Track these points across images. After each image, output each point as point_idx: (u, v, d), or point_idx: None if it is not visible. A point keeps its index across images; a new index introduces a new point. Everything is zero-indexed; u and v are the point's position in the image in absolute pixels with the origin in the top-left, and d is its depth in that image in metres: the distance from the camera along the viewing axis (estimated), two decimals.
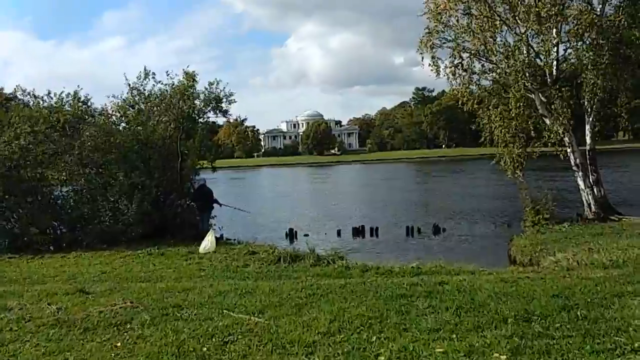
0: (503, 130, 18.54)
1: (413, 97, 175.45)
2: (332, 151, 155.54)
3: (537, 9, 16.26)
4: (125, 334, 5.90)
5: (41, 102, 17.34)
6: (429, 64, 19.55)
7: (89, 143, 15.76)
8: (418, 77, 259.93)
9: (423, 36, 19.35)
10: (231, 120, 19.79)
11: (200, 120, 19.61)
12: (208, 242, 13.06)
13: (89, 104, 16.98)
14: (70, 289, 8.52)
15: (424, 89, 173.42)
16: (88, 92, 17.44)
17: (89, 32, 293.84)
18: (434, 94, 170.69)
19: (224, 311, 6.66)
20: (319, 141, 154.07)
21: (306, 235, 19.35)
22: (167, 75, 17.02)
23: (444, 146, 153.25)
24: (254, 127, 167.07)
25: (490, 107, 19.89)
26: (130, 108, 18.13)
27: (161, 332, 5.88)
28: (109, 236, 15.31)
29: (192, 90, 16.88)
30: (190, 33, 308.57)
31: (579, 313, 5.85)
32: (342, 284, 8.06)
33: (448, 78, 19.67)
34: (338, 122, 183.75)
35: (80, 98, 16.79)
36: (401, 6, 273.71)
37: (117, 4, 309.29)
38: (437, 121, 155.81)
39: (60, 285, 9.14)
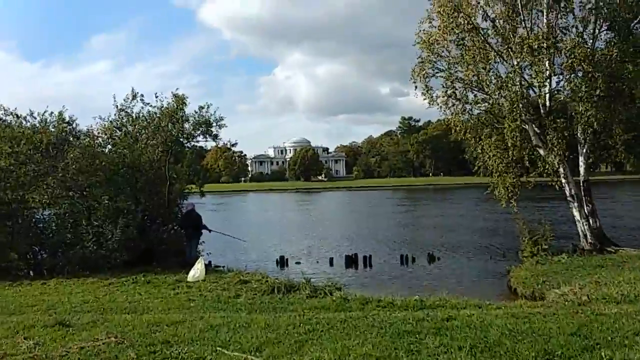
0: (497, 160, 18.38)
1: (399, 127, 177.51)
2: (319, 177, 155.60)
3: (530, 41, 16.30)
4: None
5: (24, 122, 16.79)
6: (422, 93, 19.47)
7: (73, 165, 15.16)
8: (403, 107, 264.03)
9: (416, 65, 19.31)
10: (220, 145, 19.34)
11: (189, 144, 19.28)
12: (197, 270, 12.46)
13: (73, 125, 16.43)
14: (49, 321, 7.91)
15: (410, 118, 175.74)
16: (74, 114, 16.95)
17: (77, 55, 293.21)
18: (420, 123, 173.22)
19: (218, 348, 6.14)
20: (306, 167, 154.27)
21: (298, 263, 18.81)
22: (156, 97, 16.64)
23: (430, 174, 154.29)
24: (241, 152, 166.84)
25: (482, 137, 19.80)
26: (118, 130, 17.65)
27: None
28: (91, 262, 14.64)
29: (181, 114, 16.48)
30: (177, 58, 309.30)
31: (603, 354, 5.45)
32: (342, 318, 7.58)
33: (441, 107, 19.58)
34: (325, 149, 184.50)
35: (64, 119, 16.25)
36: (386, 39, 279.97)
37: (105, 28, 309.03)
38: (423, 150, 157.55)
39: (39, 317, 8.49)
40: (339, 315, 7.94)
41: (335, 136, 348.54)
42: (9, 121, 16.91)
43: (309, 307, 8.79)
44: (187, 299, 9.94)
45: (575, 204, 17.85)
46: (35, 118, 16.88)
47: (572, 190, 17.87)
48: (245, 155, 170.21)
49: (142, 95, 16.65)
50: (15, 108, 16.78)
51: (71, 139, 16.50)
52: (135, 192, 16.67)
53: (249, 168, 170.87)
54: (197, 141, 18.93)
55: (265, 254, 21.30)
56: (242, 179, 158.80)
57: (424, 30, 18.98)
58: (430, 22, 18.66)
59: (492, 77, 18.34)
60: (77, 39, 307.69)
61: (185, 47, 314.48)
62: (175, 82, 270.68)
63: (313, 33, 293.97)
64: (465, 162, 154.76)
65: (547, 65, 17.19)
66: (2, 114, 17.21)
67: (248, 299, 9.81)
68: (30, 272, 15.39)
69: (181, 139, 17.12)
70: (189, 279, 12.36)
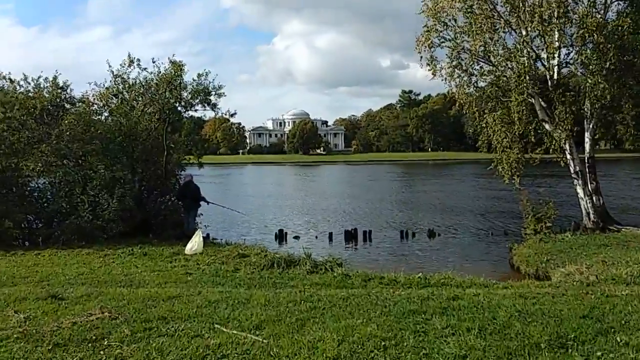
0: (501, 135, 17.97)
1: (399, 100, 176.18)
2: (318, 151, 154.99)
3: (541, 10, 15.70)
4: (102, 352, 5.10)
5: (17, 87, 16.31)
6: (427, 64, 18.92)
7: (67, 132, 14.74)
8: (403, 80, 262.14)
9: (421, 34, 18.70)
10: (220, 114, 18.85)
11: (187, 113, 18.83)
12: (195, 243, 12.20)
13: (68, 90, 15.91)
14: (41, 294, 7.64)
15: (410, 92, 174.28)
16: (72, 81, 16.42)
17: (74, 20, 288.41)
18: (420, 97, 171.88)
19: (216, 326, 5.88)
20: (305, 140, 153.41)
21: (296, 237, 18.59)
22: (153, 63, 16.08)
23: (429, 149, 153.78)
24: (239, 123, 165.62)
25: (486, 111, 19.37)
26: (114, 97, 17.15)
27: (143, 351, 5.10)
28: (87, 233, 14.38)
29: (179, 80, 15.95)
30: (177, 26, 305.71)
31: (618, 339, 5.21)
32: (344, 296, 7.33)
33: (445, 79, 19.04)
34: (324, 122, 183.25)
35: (58, 84, 15.74)
36: (388, 8, 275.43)
37: None
38: (422, 125, 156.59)
39: (32, 289, 8.23)
40: (341, 292, 7.69)
41: (334, 109, 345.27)
42: (1, 85, 16.46)
43: (309, 283, 8.56)
44: (184, 273, 9.70)
45: (580, 181, 17.53)
46: (30, 83, 16.44)
47: (577, 167, 17.53)
48: (243, 127, 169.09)
49: (138, 61, 16.10)
50: (9, 72, 16.32)
51: (66, 105, 15.98)
52: (132, 161, 16.30)
53: (247, 140, 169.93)
54: (196, 110, 18.50)
55: (264, 228, 21.09)
56: (240, 151, 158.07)
57: None
58: None
59: (500, 48, 17.80)
60: (74, 3, 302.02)
61: (184, 14, 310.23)
62: (175, 50, 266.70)
63: (313, 1, 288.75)
64: (465, 138, 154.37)
65: (556, 36, 16.62)
66: None
67: (247, 274, 9.58)
68: (25, 242, 15.18)
69: (179, 108, 16.61)
70: (186, 252, 12.11)
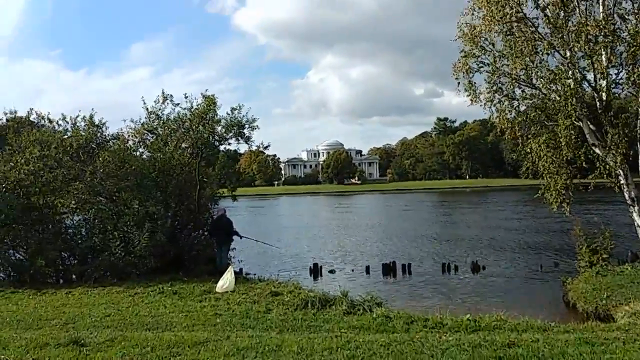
0: (548, 161, 16.97)
1: (435, 127, 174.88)
2: (353, 180, 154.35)
3: (588, 28, 14.90)
4: None
5: (56, 126, 16.58)
6: (465, 89, 18.24)
7: (101, 169, 14.72)
8: (438, 108, 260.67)
9: (458, 60, 18.09)
10: (254, 148, 18.60)
11: (222, 147, 18.72)
12: (226, 281, 11.72)
13: (103, 128, 16.00)
14: (64, 339, 7.25)
15: (445, 119, 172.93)
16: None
17: (117, 62, 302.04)
18: (456, 124, 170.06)
19: None
20: (339, 170, 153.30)
21: (332, 271, 17.87)
22: (185, 98, 16.03)
23: (467, 177, 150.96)
24: (274, 155, 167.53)
25: (530, 136, 18.45)
26: (149, 133, 17.18)
27: None
28: (119, 269, 14.15)
29: (211, 114, 15.82)
30: (213, 64, 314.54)
31: None
32: (385, 342, 6.62)
33: (485, 105, 18.26)
34: (359, 152, 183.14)
35: (94, 122, 15.87)
36: (419, 38, 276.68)
37: (143, 36, 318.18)
38: (459, 151, 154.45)
39: (55, 332, 7.88)
40: (381, 337, 6.98)
41: (368, 138, 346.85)
42: (41, 124, 16.77)
43: (346, 326, 7.87)
44: (213, 314, 9.17)
45: (636, 208, 16.23)
46: (67, 122, 16.68)
47: (632, 193, 16.28)
48: (278, 158, 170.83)
49: (171, 96, 16.09)
50: (48, 112, 16.68)
51: (100, 142, 16.06)
52: (166, 196, 16.13)
53: (282, 171, 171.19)
54: (229, 144, 18.36)
55: (299, 261, 20.48)
56: (276, 182, 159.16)
57: (465, 22, 17.80)
58: (472, 14, 17.44)
59: (543, 70, 16.99)
60: (118, 47, 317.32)
61: (221, 53, 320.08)
62: (212, 88, 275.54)
63: (345, 35, 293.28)
64: (504, 164, 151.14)
65: (604, 55, 15.71)
66: (34, 117, 17.17)
67: (279, 315, 8.96)
68: (60, 279, 15.11)
69: (212, 141, 16.44)
70: (217, 290, 11.63)
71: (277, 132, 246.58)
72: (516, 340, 6.51)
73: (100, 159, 14.76)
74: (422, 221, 38.98)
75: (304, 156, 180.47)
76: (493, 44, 17.98)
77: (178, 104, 15.99)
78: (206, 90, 16.38)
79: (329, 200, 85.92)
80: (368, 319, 8.25)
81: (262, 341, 6.83)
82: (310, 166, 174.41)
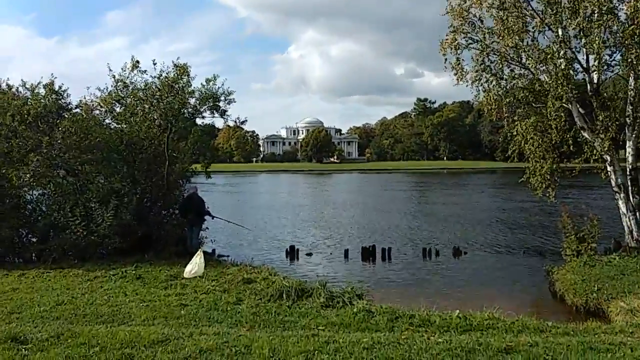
0: (535, 144, 16.42)
1: (414, 108, 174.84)
2: (332, 159, 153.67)
3: (584, 4, 14.18)
4: None
5: (15, 93, 15.24)
6: (452, 67, 17.45)
7: (60, 140, 13.54)
8: (418, 88, 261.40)
9: (446, 35, 17.27)
10: (230, 122, 17.54)
11: (197, 120, 17.65)
12: (195, 265, 10.84)
13: (64, 95, 14.75)
14: (3, 334, 6.31)
15: (425, 100, 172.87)
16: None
17: (92, 30, 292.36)
18: (436, 105, 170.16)
19: None
20: (318, 148, 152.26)
21: (309, 254, 17.13)
22: (154, 65, 14.75)
23: (445, 158, 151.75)
24: (253, 132, 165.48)
25: (516, 118, 17.88)
26: (117, 103, 15.94)
27: None
28: (81, 249, 13.14)
29: (183, 84, 14.66)
30: (192, 36, 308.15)
31: None
32: (368, 344, 5.89)
33: (472, 84, 17.54)
34: (338, 130, 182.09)
35: (54, 89, 14.58)
36: (403, 17, 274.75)
37: (120, 4, 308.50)
38: (438, 133, 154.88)
39: None
40: (364, 337, 6.24)
41: (348, 117, 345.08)
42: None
43: (324, 322, 7.12)
44: (178, 304, 8.32)
45: (622, 195, 15.85)
46: (28, 89, 15.39)
47: (619, 180, 15.88)
48: (257, 135, 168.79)
49: (137, 62, 14.74)
50: (7, 78, 15.35)
51: (62, 111, 14.82)
52: (133, 171, 15.06)
53: (261, 148, 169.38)
54: (203, 117, 17.28)
55: (275, 243, 19.68)
56: (254, 159, 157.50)
57: None
58: None
59: (534, 49, 16.27)
60: (93, 14, 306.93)
61: (200, 24, 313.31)
62: (190, 60, 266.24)
63: (328, 10, 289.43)
64: (481, 146, 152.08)
65: (598, 34, 15.03)
66: None
67: (251, 306, 8.16)
68: (18, 258, 14.02)
69: (184, 113, 15.31)
70: (185, 275, 10.76)
71: (256, 108, 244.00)
72: (513, 344, 5.84)
73: (60, 128, 13.55)
74: (400, 202, 38.50)
75: (283, 133, 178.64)
76: (482, 20, 17.26)
77: (145, 71, 14.72)
78: (178, 59, 15.22)
79: (308, 179, 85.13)
80: (348, 313, 7.51)
81: (230, 340, 6.02)
82: (290, 144, 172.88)
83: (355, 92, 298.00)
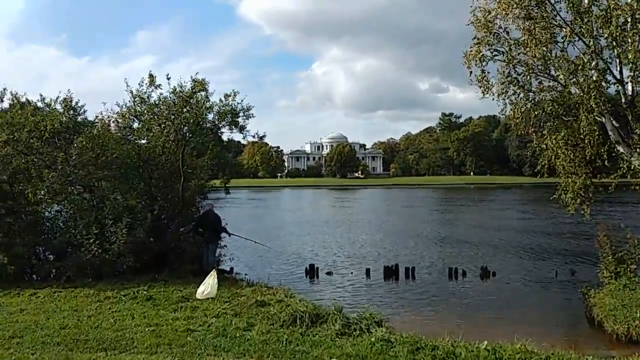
0: (567, 159, 15.59)
1: (439, 123, 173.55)
2: (356, 174, 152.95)
3: (617, 13, 13.44)
4: None
5: (34, 108, 15.26)
6: (477, 80, 16.81)
7: (75, 156, 13.40)
8: (443, 103, 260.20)
9: (470, 47, 16.67)
10: (249, 138, 17.20)
11: (222, 136, 17.48)
12: (208, 286, 10.41)
13: (81, 111, 14.67)
14: None
15: (450, 114, 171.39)
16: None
17: (122, 50, 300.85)
18: (461, 120, 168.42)
19: None
20: (342, 164, 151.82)
21: (329, 273, 16.54)
22: (168, 79, 14.48)
23: (472, 173, 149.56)
24: (277, 147, 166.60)
25: (545, 132, 17.13)
26: (135, 119, 15.82)
27: None
28: (95, 268, 12.88)
29: (199, 98, 14.40)
30: (218, 54, 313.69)
31: None
32: None
33: (497, 97, 16.86)
34: (362, 146, 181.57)
35: (71, 105, 14.52)
36: (424, 33, 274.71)
37: (149, 24, 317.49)
38: (464, 148, 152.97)
39: None
40: None
41: (372, 133, 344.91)
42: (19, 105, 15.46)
43: (338, 353, 6.55)
44: (185, 329, 7.86)
45: None
46: (46, 105, 15.43)
47: None
48: (282, 150, 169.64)
49: (153, 77, 14.55)
50: (25, 92, 15.40)
51: (78, 127, 14.74)
52: (149, 188, 14.84)
53: (286, 164, 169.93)
54: (221, 133, 17.04)
55: (295, 261, 19.16)
56: (279, 174, 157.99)
57: (479, 7, 16.34)
58: None
59: (562, 60, 15.55)
60: (123, 34, 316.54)
61: (225, 42, 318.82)
62: (216, 78, 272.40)
63: (351, 28, 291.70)
64: (508, 161, 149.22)
65: (632, 44, 14.25)
66: (8, 98, 15.82)
67: (261, 333, 7.64)
68: (34, 275, 13.85)
69: (200, 128, 15.02)
70: (197, 296, 10.34)
71: (281, 124, 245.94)
72: None
73: (75, 144, 13.41)
74: (426, 219, 37.52)
75: (307, 149, 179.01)
76: (508, 32, 16.66)
77: (159, 85, 14.49)
78: (196, 74, 14.96)
79: (331, 194, 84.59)
80: (365, 343, 6.92)
81: None
82: (314, 159, 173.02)
83: (379, 107, 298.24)
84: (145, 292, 10.75)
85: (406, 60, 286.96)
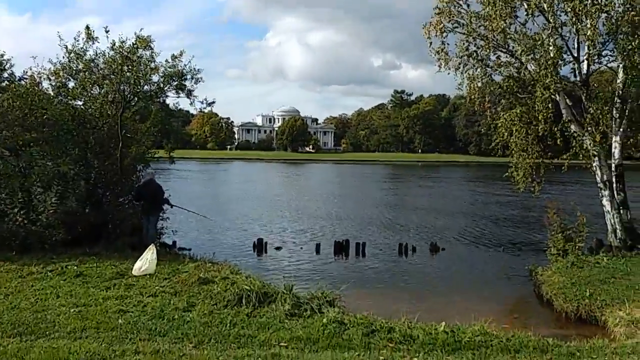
0: (520, 136, 15.59)
1: (391, 100, 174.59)
2: (307, 149, 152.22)
3: None
4: None
5: None
6: (436, 52, 16.44)
7: None
8: (395, 80, 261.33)
9: (432, 17, 16.25)
10: (197, 103, 16.02)
11: (159, 100, 16.13)
12: (145, 261, 9.54)
13: (6, 66, 13.11)
14: None
15: (402, 92, 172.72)
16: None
17: (64, 9, 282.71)
18: (412, 98, 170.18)
19: None
20: (294, 137, 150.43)
21: (278, 248, 15.95)
22: (107, 32, 13.01)
23: (420, 151, 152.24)
24: (228, 118, 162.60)
25: (499, 108, 17.12)
26: (70, 77, 14.32)
27: None
28: (21, 240, 11.64)
29: (139, 54, 13.11)
30: (169, 18, 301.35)
31: None
32: None
33: (456, 70, 16.57)
34: (314, 120, 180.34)
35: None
36: (382, 8, 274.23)
37: None
38: (413, 125, 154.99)
39: None
40: (335, 356, 5.14)
41: (325, 107, 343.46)
42: None
43: (288, 336, 5.97)
44: (117, 310, 7.03)
45: (606, 192, 15.18)
46: None
47: (604, 176, 15.20)
48: (232, 122, 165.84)
49: (91, 31, 13.09)
50: None
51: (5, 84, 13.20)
52: (85, 153, 13.58)
53: (236, 136, 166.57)
54: (166, 96, 15.79)
55: (243, 233, 18.44)
56: (229, 146, 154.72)
57: None
58: None
59: (522, 35, 15.37)
60: None
61: (176, 7, 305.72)
62: (165, 44, 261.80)
63: None
64: (455, 140, 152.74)
65: (590, 22, 14.18)
66: None
67: (203, 314, 6.94)
68: None
69: (142, 90, 13.77)
70: (134, 272, 9.46)
71: (232, 94, 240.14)
72: None
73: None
74: (376, 195, 37.57)
75: (258, 121, 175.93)
76: (468, 5, 16.31)
77: (97, 38, 13.07)
78: (141, 30, 13.61)
79: (282, 168, 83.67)
80: (317, 325, 6.37)
81: None
82: (265, 132, 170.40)
83: (333, 82, 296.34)
84: (75, 268, 9.74)
85: (362, 35, 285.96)
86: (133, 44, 12.83)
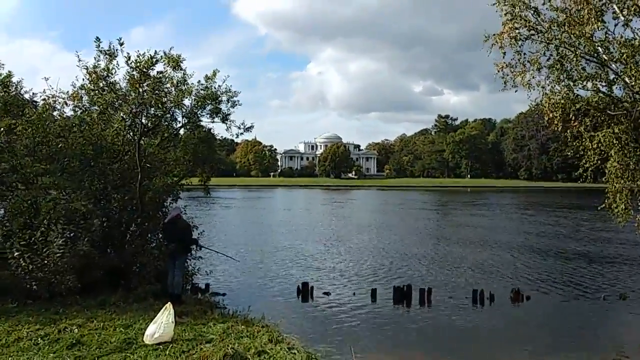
0: (620, 160, 12.85)
1: (435, 125, 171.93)
2: (350, 175, 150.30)
3: None
4: None
5: None
6: (503, 66, 14.01)
7: (5, 143, 10.40)
8: (436, 106, 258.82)
9: (503, 25, 13.89)
10: (234, 129, 14.10)
11: (192, 124, 14.39)
12: (160, 326, 7.42)
13: (17, 88, 11.62)
14: None
15: (446, 116, 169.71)
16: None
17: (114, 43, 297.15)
18: (457, 122, 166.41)
19: None
20: (336, 164, 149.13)
21: (326, 293, 13.59)
22: (121, 45, 11.32)
23: (468, 176, 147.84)
24: (271, 146, 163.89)
25: (582, 129, 14.43)
26: (89, 101, 12.73)
27: None
28: (22, 288, 9.87)
29: (161, 70, 11.30)
30: (212, 53, 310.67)
31: None
32: None
33: (528, 85, 14.08)
34: (357, 146, 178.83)
35: (6, 84, 11.48)
36: (418, 36, 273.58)
37: (143, 22, 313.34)
38: (459, 150, 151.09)
39: None
40: None
41: (366, 134, 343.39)
42: None
43: None
44: None
45: None
46: None
47: None
48: (275, 149, 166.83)
49: (115, 49, 11.35)
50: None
51: (15, 109, 11.68)
52: (106, 186, 11.83)
53: (279, 163, 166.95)
54: (200, 121, 14.03)
55: (285, 274, 16.24)
56: (272, 173, 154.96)
57: None
58: None
59: (614, 42, 12.78)
60: (118, 31, 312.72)
61: (220, 41, 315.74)
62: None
63: (345, 29, 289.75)
64: (504, 164, 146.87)
65: None
66: None
67: None
68: None
69: (159, 111, 11.91)
70: (146, 340, 7.36)
71: (275, 124, 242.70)
72: None
73: (1, 128, 10.39)
74: (430, 226, 34.47)
75: (301, 148, 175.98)
76: (539, 14, 13.94)
77: (114, 54, 11.33)
78: (171, 49, 11.84)
79: (325, 195, 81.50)
80: None
81: None
82: (307, 158, 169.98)
83: (373, 108, 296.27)
84: (75, 332, 7.75)
85: (399, 62, 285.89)
86: (151, 56, 10.98)
